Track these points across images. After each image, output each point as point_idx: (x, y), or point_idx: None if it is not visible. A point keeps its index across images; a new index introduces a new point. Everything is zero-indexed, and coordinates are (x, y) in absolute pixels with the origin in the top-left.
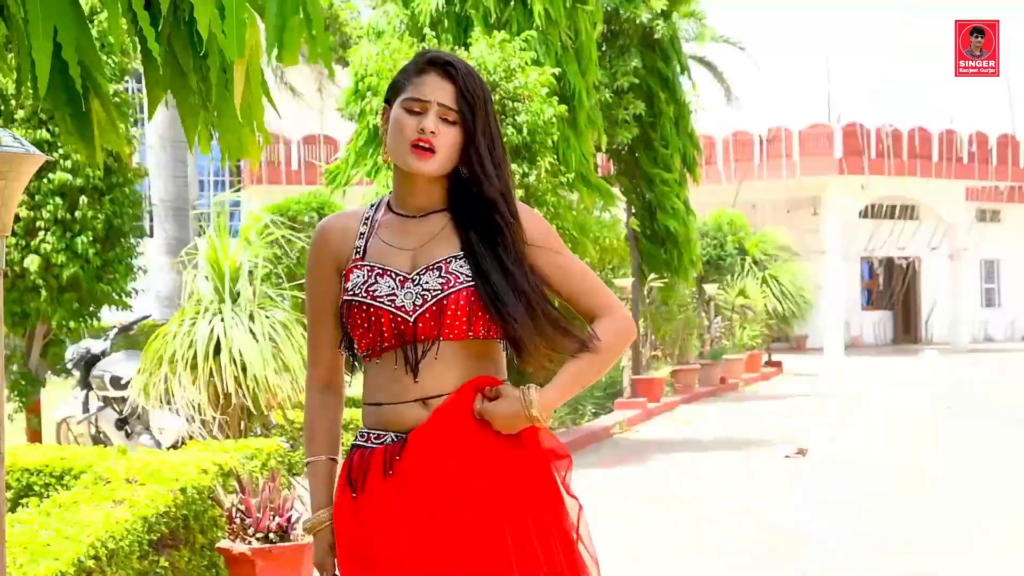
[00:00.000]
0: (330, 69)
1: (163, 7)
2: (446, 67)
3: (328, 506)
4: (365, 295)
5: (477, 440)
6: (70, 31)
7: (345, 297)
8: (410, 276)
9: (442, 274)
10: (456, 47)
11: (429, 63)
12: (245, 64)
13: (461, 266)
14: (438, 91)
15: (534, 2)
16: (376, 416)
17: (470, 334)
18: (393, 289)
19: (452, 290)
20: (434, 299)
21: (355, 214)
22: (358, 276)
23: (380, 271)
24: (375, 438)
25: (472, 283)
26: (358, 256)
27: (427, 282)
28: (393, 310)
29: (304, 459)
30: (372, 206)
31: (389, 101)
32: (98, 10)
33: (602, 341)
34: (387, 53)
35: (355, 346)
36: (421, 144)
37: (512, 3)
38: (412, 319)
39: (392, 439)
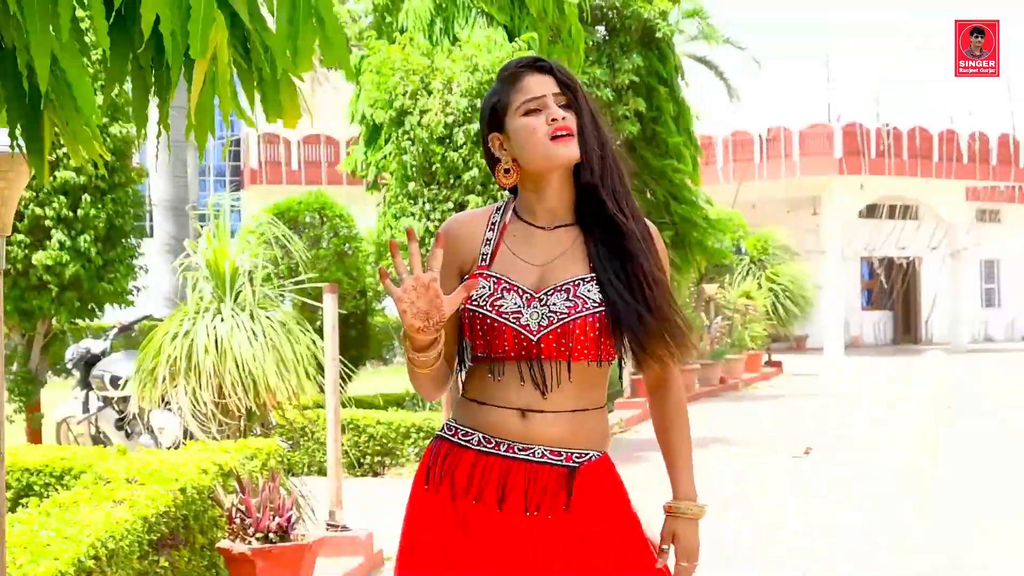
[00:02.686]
0: (348, 71)
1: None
2: (537, 64)
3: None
4: (490, 309)
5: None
6: (59, 35)
7: (469, 305)
8: (536, 295)
9: (570, 297)
10: (452, 45)
11: (519, 68)
12: (206, 64)
13: (589, 290)
14: (543, 85)
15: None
16: (470, 413)
17: (591, 358)
18: (519, 307)
19: (579, 315)
20: (560, 322)
21: (482, 215)
22: (484, 287)
23: (507, 285)
24: (462, 435)
25: (600, 309)
26: (484, 263)
27: (554, 303)
28: (517, 328)
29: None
30: (498, 209)
31: (493, 127)
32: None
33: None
34: (387, 52)
35: (467, 347)
36: (559, 132)
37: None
38: (535, 339)
39: (480, 439)
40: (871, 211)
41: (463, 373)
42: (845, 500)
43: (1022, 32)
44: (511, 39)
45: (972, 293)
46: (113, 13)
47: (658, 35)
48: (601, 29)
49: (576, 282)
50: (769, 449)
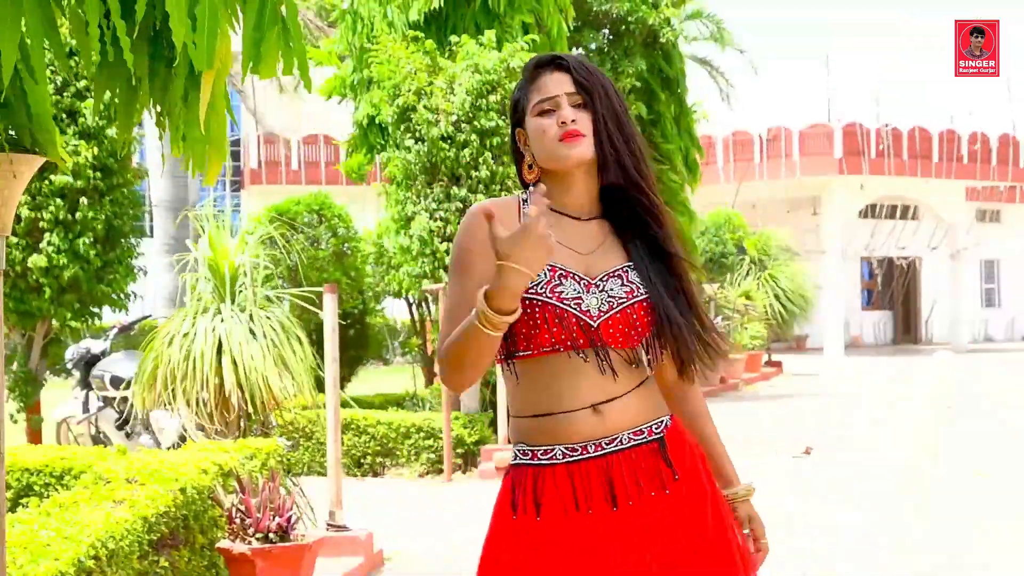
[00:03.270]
0: (307, 80)
1: (138, 16)
2: (555, 61)
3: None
4: (551, 295)
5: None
6: (37, 32)
7: (525, 294)
8: (594, 281)
9: (624, 282)
10: (448, 46)
11: (537, 66)
12: (213, 76)
13: (636, 277)
14: (559, 84)
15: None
16: (539, 429)
17: (638, 343)
18: (579, 293)
19: (636, 299)
20: (620, 307)
21: (509, 203)
22: (540, 275)
23: (563, 272)
24: (543, 454)
25: (648, 295)
26: None
27: (612, 288)
28: (579, 313)
29: (470, 325)
30: (522, 199)
31: (518, 124)
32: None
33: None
34: (385, 51)
35: (513, 346)
36: (568, 133)
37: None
38: (596, 324)
39: (563, 451)
40: (871, 211)
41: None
42: (845, 500)
43: (1022, 32)
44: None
45: (972, 293)
46: (136, 27)
47: (662, 39)
48: (605, 32)
49: (625, 268)
50: (769, 449)
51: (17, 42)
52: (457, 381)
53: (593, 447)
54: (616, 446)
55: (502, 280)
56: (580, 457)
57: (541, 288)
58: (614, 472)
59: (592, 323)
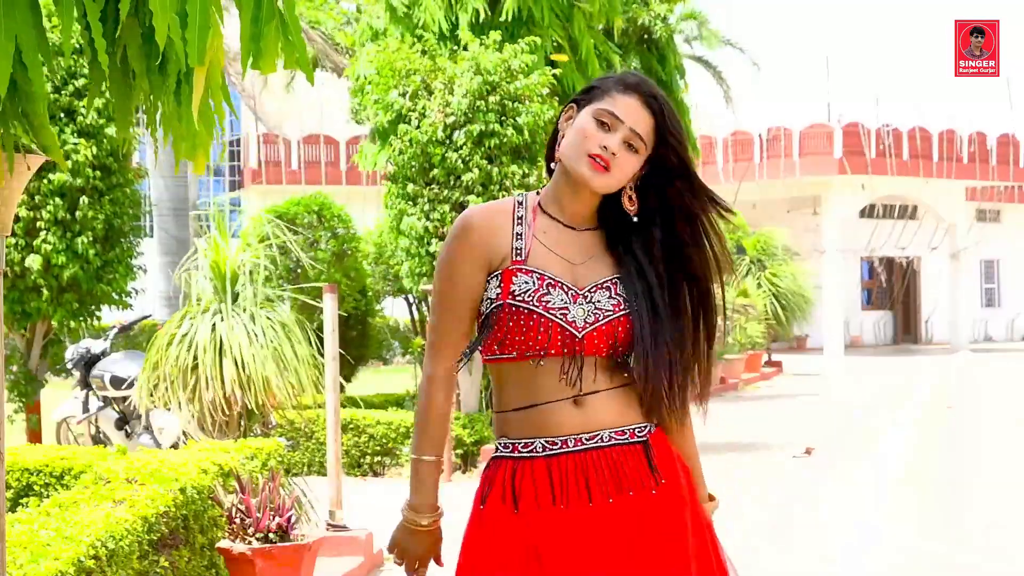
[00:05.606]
0: (309, 74)
1: (122, 13)
2: (650, 98)
3: (437, 504)
4: (537, 304)
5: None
6: (29, 33)
7: (509, 301)
8: (581, 292)
9: (612, 295)
10: (453, 47)
11: (635, 87)
12: (205, 71)
13: (623, 290)
14: (635, 116)
15: (506, 2)
16: (520, 423)
17: (625, 352)
18: (566, 303)
19: (623, 312)
20: (606, 319)
21: (502, 208)
22: (527, 282)
23: (551, 281)
24: (523, 447)
25: (629, 311)
26: (519, 258)
27: (599, 300)
28: (564, 324)
29: (411, 454)
30: (518, 203)
31: (578, 102)
32: (53, 12)
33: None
34: (392, 51)
35: (496, 347)
36: (599, 159)
37: (499, 6)
38: (580, 335)
39: (543, 444)
40: (871, 211)
41: (467, 366)
42: (845, 500)
43: (1022, 32)
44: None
45: (972, 293)
46: (120, 26)
47: (656, 37)
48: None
49: (614, 280)
50: (769, 449)
51: (12, 52)
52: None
53: (573, 441)
54: (596, 443)
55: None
56: (559, 451)
57: (529, 296)
58: (592, 468)
59: (577, 334)
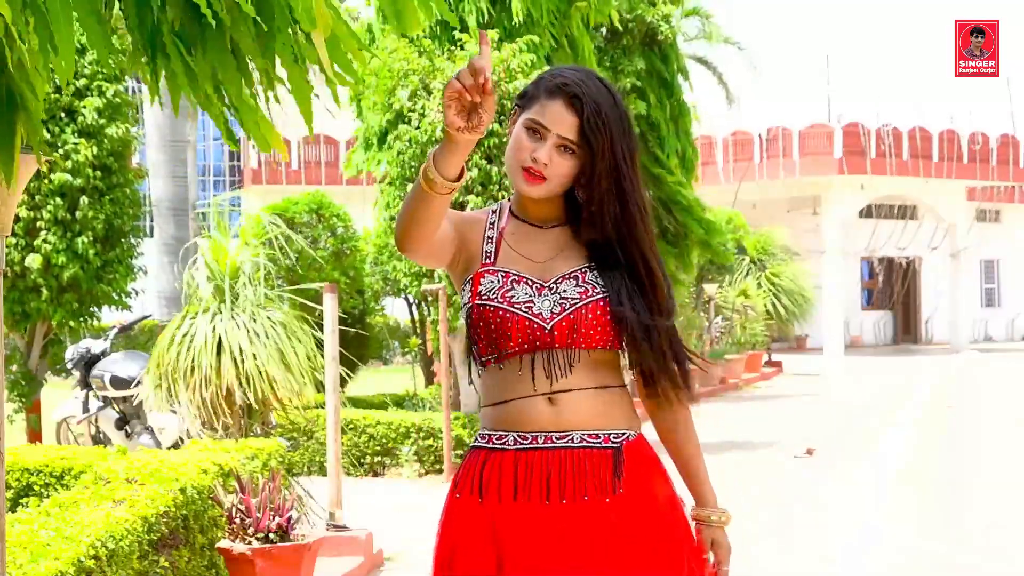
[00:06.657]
0: (450, 19)
1: None
2: (574, 99)
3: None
4: (501, 300)
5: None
6: (92, 27)
7: (477, 302)
8: (547, 284)
9: (579, 283)
10: (450, 46)
11: (560, 90)
12: (321, 33)
13: (595, 277)
14: (560, 122)
15: (514, 2)
16: (497, 416)
17: (602, 344)
18: (530, 296)
19: (591, 299)
20: (572, 307)
21: (480, 216)
22: (492, 281)
23: (516, 277)
24: (497, 439)
25: (607, 294)
26: (488, 261)
27: (565, 290)
28: (530, 317)
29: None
30: (492, 211)
31: (520, 106)
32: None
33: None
34: (388, 51)
35: (477, 352)
36: (531, 171)
37: (498, 4)
38: (548, 327)
39: (515, 438)
40: (871, 211)
41: (475, 375)
42: (845, 500)
43: (1022, 32)
44: (503, 41)
45: (972, 293)
46: None
47: (660, 37)
48: (603, 30)
49: (583, 269)
50: (770, 449)
51: (74, 42)
52: (403, 237)
53: (543, 438)
54: (567, 442)
55: (445, 141)
56: (530, 446)
57: (494, 295)
58: (555, 467)
59: (545, 326)
